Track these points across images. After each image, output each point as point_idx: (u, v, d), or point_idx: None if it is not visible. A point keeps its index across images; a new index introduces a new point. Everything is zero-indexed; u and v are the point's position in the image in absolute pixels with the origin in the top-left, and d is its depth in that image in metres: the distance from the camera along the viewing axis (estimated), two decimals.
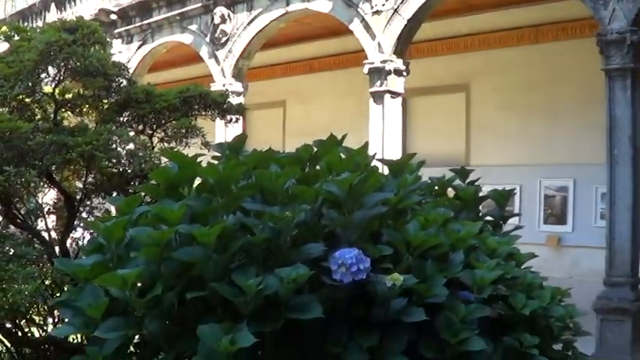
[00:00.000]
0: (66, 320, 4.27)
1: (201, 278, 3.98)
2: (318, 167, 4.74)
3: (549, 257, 11.76)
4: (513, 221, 6.47)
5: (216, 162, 4.62)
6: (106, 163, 5.92)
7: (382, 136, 11.93)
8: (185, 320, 4.22)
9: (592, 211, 12.25)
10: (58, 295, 4.95)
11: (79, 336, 6.32)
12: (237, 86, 15.44)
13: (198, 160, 4.46)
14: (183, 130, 6.35)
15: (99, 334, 3.80)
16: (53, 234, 6.66)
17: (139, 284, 3.92)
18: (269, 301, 3.86)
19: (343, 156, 4.69)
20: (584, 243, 11.93)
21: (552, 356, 5.35)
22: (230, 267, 3.96)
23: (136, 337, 4.41)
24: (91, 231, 6.52)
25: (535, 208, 12.91)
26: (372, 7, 12.90)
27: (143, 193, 5.41)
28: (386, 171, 5.21)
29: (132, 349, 4.45)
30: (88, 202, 6.80)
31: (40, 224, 6.80)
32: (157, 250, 3.84)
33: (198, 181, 4.46)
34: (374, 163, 4.89)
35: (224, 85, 15.01)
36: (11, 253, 5.04)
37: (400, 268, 4.19)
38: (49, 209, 7.02)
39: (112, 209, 6.11)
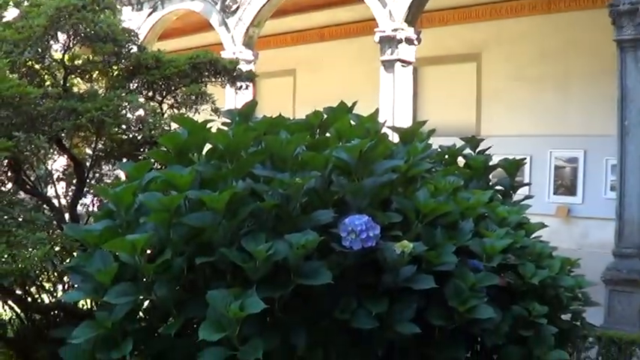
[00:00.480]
0: (75, 286, 4.28)
1: (211, 244, 3.98)
2: (327, 134, 4.73)
3: (559, 228, 11.74)
4: (523, 191, 6.46)
5: (226, 128, 4.60)
6: (116, 129, 5.90)
7: (392, 105, 11.87)
8: (194, 286, 4.23)
9: (602, 182, 12.21)
10: (67, 261, 4.94)
11: (88, 302, 6.35)
12: (248, 54, 15.38)
13: (208, 126, 4.45)
14: (193, 97, 6.32)
15: (108, 300, 3.81)
16: (63, 201, 6.66)
17: (148, 250, 3.93)
18: (278, 267, 3.86)
19: (353, 123, 4.66)
20: (594, 214, 11.91)
21: (561, 326, 5.35)
22: (239, 233, 3.96)
23: (145, 302, 4.45)
24: (101, 197, 6.53)
25: (545, 179, 12.87)
26: None
27: (153, 159, 5.42)
28: (396, 139, 5.19)
29: (141, 314, 4.48)
30: (98, 169, 6.81)
31: (50, 191, 6.80)
32: (167, 216, 3.84)
33: (207, 147, 4.46)
34: (384, 130, 4.86)
35: (234, 54, 14.94)
36: (20, 219, 5.03)
37: (409, 236, 4.19)
38: (58, 176, 7.02)
39: (122, 176, 6.12)
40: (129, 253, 3.77)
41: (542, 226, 5.65)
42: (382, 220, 4.10)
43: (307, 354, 3.92)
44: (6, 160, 5.97)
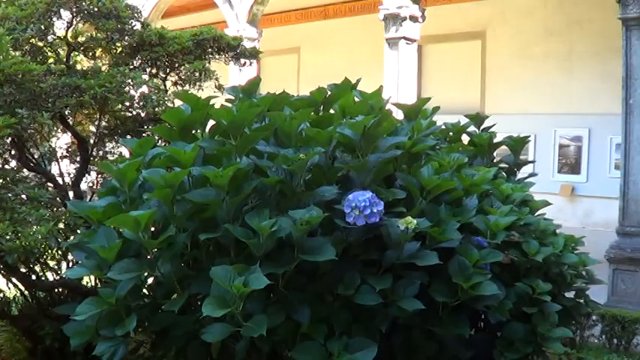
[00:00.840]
0: (79, 262, 4.28)
1: (215, 220, 3.98)
2: (331, 111, 4.71)
3: (563, 207, 11.74)
4: (527, 169, 6.44)
5: (229, 105, 4.58)
6: (119, 106, 5.88)
7: (396, 83, 11.81)
8: (198, 262, 4.23)
9: (606, 161, 12.18)
10: (71, 238, 4.94)
11: (92, 279, 6.36)
12: (252, 32, 15.29)
13: (212, 102, 4.43)
14: (197, 74, 6.30)
15: (112, 276, 3.81)
16: (67, 178, 6.65)
17: (152, 228, 3.93)
18: (282, 243, 3.86)
19: (357, 100, 4.64)
20: (598, 193, 11.88)
21: (564, 303, 5.35)
22: (243, 209, 3.95)
23: (150, 279, 4.45)
24: (105, 175, 6.52)
25: (549, 158, 12.84)
26: None
27: (156, 136, 5.40)
28: (400, 116, 5.18)
29: (145, 291, 4.48)
30: (102, 146, 6.79)
31: (54, 169, 6.79)
32: (170, 192, 3.83)
33: (211, 123, 4.45)
34: (388, 107, 4.84)
35: (238, 31, 14.85)
36: (24, 196, 5.02)
37: (413, 212, 4.18)
38: (62, 154, 7.01)
39: (126, 153, 6.11)
40: (132, 229, 3.77)
41: (546, 203, 5.64)
42: (386, 197, 4.09)
43: (311, 330, 3.92)
44: (9, 139, 5.96)
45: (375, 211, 3.83)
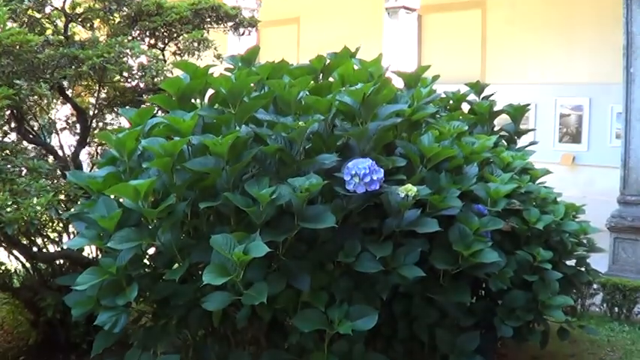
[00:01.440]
0: (79, 233, 4.27)
1: (214, 189, 3.97)
2: (331, 79, 4.68)
3: (564, 176, 11.69)
4: (528, 139, 6.43)
5: (229, 74, 4.56)
6: (118, 76, 5.85)
7: (396, 53, 11.75)
8: (198, 232, 4.23)
9: (607, 130, 12.13)
10: (72, 209, 4.93)
11: (93, 251, 6.36)
12: (250, 2, 15.16)
13: (210, 71, 4.41)
14: (195, 43, 6.25)
15: (112, 245, 3.80)
16: (67, 150, 6.64)
17: (151, 199, 3.92)
18: (282, 211, 3.85)
19: (356, 67, 4.61)
20: (599, 162, 11.84)
21: (565, 271, 5.36)
22: (243, 178, 3.94)
23: (150, 250, 4.44)
24: (104, 146, 6.51)
25: (550, 127, 12.79)
26: None
27: (156, 107, 5.38)
28: (400, 85, 5.15)
29: (146, 261, 4.48)
30: (101, 118, 6.77)
31: (54, 141, 6.77)
32: (170, 161, 3.81)
33: (210, 93, 4.43)
34: (388, 75, 4.81)
35: (237, 1, 14.80)
36: (23, 168, 5.01)
37: (414, 180, 4.16)
38: (62, 126, 6.99)
39: (126, 125, 6.08)
40: (132, 198, 3.76)
41: (547, 172, 5.63)
42: (386, 164, 4.08)
43: (311, 298, 3.93)
44: (8, 111, 5.94)
45: (375, 178, 3.82)
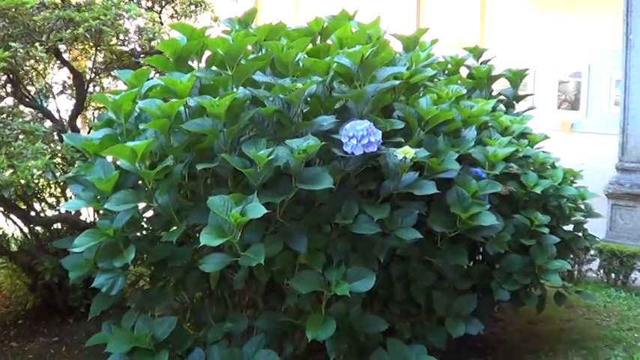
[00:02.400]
0: (76, 195, 4.26)
1: (212, 151, 3.96)
2: (329, 41, 4.65)
3: (562, 143, 11.67)
4: (527, 104, 6.41)
5: (226, 36, 4.52)
6: (115, 40, 5.83)
7: (395, 17, 11.69)
8: (196, 194, 4.22)
9: (606, 97, 12.10)
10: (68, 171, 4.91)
11: (91, 215, 6.36)
12: None
13: (207, 33, 4.38)
14: (193, 6, 6.22)
15: (109, 207, 3.79)
16: (64, 115, 6.62)
17: (148, 161, 3.90)
18: (280, 173, 3.84)
19: (355, 30, 4.58)
20: (598, 129, 11.82)
21: (563, 236, 5.36)
22: (240, 139, 3.92)
23: (148, 213, 4.44)
24: (101, 112, 6.48)
25: (549, 94, 12.74)
26: None
27: (152, 68, 5.35)
28: (398, 49, 5.11)
29: (143, 224, 4.48)
30: (98, 82, 6.75)
31: (50, 105, 6.75)
32: (167, 122, 3.79)
33: (207, 55, 4.40)
34: (386, 38, 4.77)
35: None
36: (20, 130, 4.99)
37: (412, 143, 4.15)
38: (58, 90, 6.97)
39: (122, 89, 6.06)
40: (129, 160, 3.74)
41: (545, 137, 5.61)
42: (384, 127, 4.06)
43: (309, 259, 3.93)
44: (5, 75, 5.91)
45: (372, 140, 3.80)
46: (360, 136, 3.78)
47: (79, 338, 5.91)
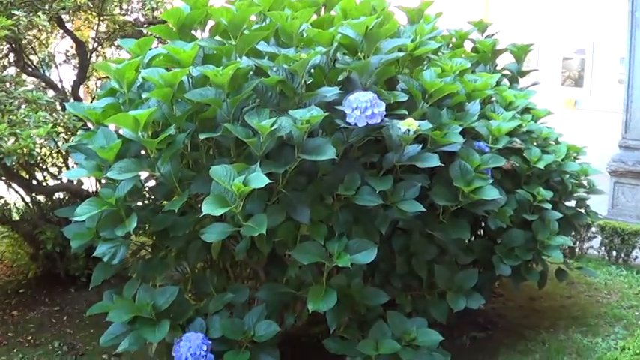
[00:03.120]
0: (78, 164, 4.25)
1: (214, 120, 3.94)
2: (333, 12, 4.62)
3: (565, 120, 11.67)
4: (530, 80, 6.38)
5: (230, 6, 4.49)
6: (118, 9, 5.81)
7: None
8: (198, 165, 4.21)
9: (610, 74, 12.07)
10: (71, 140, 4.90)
11: (93, 185, 6.36)
12: None
13: (211, 3, 4.35)
14: None
15: (111, 176, 3.78)
16: (66, 85, 6.60)
17: (151, 130, 3.89)
18: (282, 143, 3.83)
19: (359, 1, 4.54)
20: (601, 106, 11.81)
21: (565, 212, 5.35)
22: (243, 109, 3.90)
23: (150, 183, 4.43)
24: (104, 80, 6.46)
25: (553, 71, 12.70)
26: None
27: (155, 37, 5.32)
28: (403, 22, 5.08)
29: (146, 194, 4.47)
30: (101, 52, 6.73)
31: (53, 75, 6.73)
32: (169, 91, 3.78)
33: (211, 24, 4.38)
34: (391, 9, 4.74)
35: None
36: (22, 99, 4.97)
37: (415, 115, 4.13)
38: (61, 60, 6.95)
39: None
40: (132, 128, 3.73)
41: (549, 112, 5.59)
42: (387, 99, 4.04)
43: (311, 231, 3.92)
44: (7, 45, 5.89)
45: (376, 112, 3.78)
46: (363, 107, 3.76)
47: (80, 307, 5.94)
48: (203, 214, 3.49)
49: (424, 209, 4.04)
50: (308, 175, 4.02)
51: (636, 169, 8.59)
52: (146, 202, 4.42)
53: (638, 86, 8.79)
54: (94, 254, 3.95)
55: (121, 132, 4.00)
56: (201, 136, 3.78)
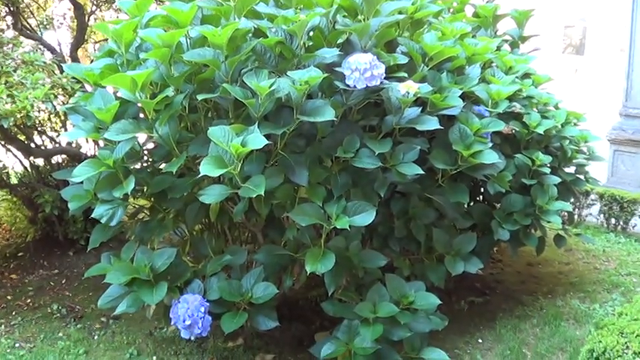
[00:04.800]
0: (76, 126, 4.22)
1: (213, 82, 3.91)
2: None
3: (566, 88, 11.64)
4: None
5: None
6: None
7: None
8: (196, 127, 4.19)
9: (611, 42, 12.01)
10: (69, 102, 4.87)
11: (91, 149, 6.35)
12: None
13: None
14: None
15: (109, 137, 3.76)
16: (64, 49, 6.57)
17: (149, 92, 3.86)
18: (281, 105, 3.80)
19: None
20: (602, 74, 11.77)
21: (564, 177, 5.34)
22: (242, 70, 3.87)
23: (149, 145, 4.42)
24: (102, 43, 6.43)
25: (554, 38, 12.64)
26: None
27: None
28: None
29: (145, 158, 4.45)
30: (99, 14, 6.69)
31: (52, 39, 6.70)
32: (167, 52, 3.74)
33: None
34: None
35: None
36: (20, 60, 4.94)
37: (415, 78, 4.10)
38: (59, 23, 6.91)
39: None
40: (130, 89, 3.69)
41: (549, 78, 5.55)
42: (387, 61, 4.00)
43: (309, 193, 3.91)
44: (5, 8, 5.86)
45: (375, 73, 3.75)
46: (362, 69, 3.73)
47: (78, 271, 5.96)
48: (201, 174, 3.47)
49: (423, 172, 4.02)
50: (307, 138, 4.00)
51: (636, 137, 8.58)
52: (144, 164, 4.40)
53: (639, 54, 8.75)
54: (92, 216, 3.94)
55: (119, 94, 3.97)
56: (200, 97, 3.74)
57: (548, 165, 4.99)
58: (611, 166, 8.75)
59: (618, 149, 8.77)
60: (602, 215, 7.72)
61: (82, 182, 3.99)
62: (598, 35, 12.25)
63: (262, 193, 3.49)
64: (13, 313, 5.23)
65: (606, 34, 12.13)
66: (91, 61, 6.33)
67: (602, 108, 9.89)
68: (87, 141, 6.37)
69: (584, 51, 12.27)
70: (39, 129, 6.36)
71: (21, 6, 5.93)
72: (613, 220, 7.65)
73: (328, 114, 3.64)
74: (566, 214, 5.89)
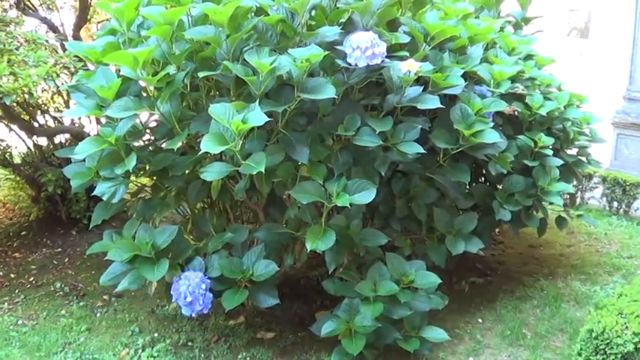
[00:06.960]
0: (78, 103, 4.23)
1: (214, 60, 3.91)
2: None
3: (570, 71, 11.61)
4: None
5: None
6: None
7: None
8: (198, 105, 4.19)
9: (616, 25, 11.97)
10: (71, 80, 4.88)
11: (95, 129, 6.35)
12: None
13: None
14: None
15: (110, 114, 3.76)
16: (67, 29, 6.57)
17: (151, 70, 3.86)
18: (283, 83, 3.80)
19: None
20: (606, 57, 11.73)
21: (566, 159, 5.34)
22: (243, 48, 3.86)
23: (151, 124, 4.42)
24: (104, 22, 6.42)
25: (559, 21, 12.60)
26: None
27: None
28: None
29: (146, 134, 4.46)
30: None
31: (54, 19, 6.70)
32: (169, 29, 3.74)
33: None
34: None
35: None
36: (22, 39, 4.95)
37: (417, 57, 4.09)
38: (62, 3, 6.91)
39: None
40: (131, 67, 3.69)
41: (552, 60, 5.53)
42: (389, 40, 3.99)
43: (310, 171, 3.91)
44: None
45: (376, 52, 3.75)
46: (364, 47, 3.73)
47: (81, 249, 5.98)
48: (202, 151, 3.47)
49: (424, 151, 4.02)
50: (308, 116, 4.00)
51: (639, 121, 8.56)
52: (146, 142, 4.41)
53: None
54: (94, 193, 3.95)
55: (121, 72, 3.97)
56: (201, 74, 3.73)
57: (551, 147, 4.98)
58: (615, 150, 8.74)
59: (622, 133, 8.76)
60: (604, 198, 7.72)
61: (84, 160, 4.00)
62: (603, 19, 12.20)
63: (263, 170, 3.49)
64: (17, 291, 5.25)
65: (611, 17, 12.09)
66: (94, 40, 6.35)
67: (607, 91, 9.86)
68: (89, 121, 6.38)
69: (589, 34, 12.22)
70: (42, 108, 6.37)
71: None
72: (615, 204, 7.65)
73: (329, 91, 3.64)
74: (567, 196, 5.88)
